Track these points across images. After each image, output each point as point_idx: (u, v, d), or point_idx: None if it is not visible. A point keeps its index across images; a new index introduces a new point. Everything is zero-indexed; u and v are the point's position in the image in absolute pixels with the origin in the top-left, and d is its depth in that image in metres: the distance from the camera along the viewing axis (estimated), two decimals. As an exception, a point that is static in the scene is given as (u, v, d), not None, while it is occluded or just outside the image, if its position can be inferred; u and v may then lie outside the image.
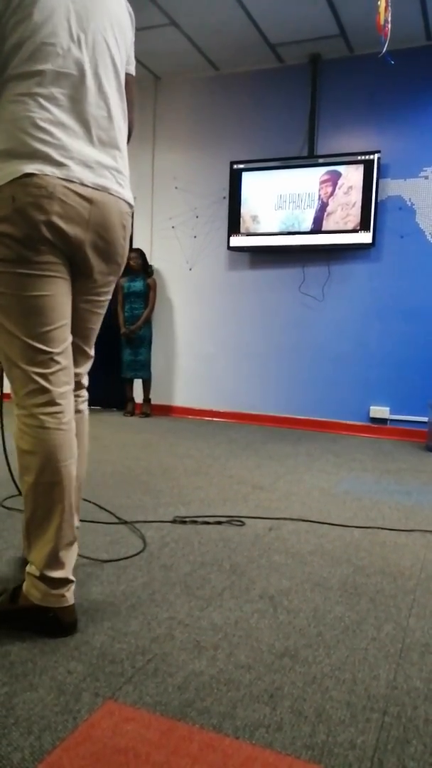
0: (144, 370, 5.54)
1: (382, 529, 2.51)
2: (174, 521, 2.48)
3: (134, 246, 5.68)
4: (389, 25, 3.17)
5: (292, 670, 1.42)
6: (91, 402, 7.00)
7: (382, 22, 3.15)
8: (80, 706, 1.25)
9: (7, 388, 1.70)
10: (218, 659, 1.45)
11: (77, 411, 1.77)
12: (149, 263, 5.63)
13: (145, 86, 5.67)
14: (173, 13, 4.49)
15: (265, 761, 1.12)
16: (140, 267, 5.50)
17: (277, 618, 1.68)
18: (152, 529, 2.38)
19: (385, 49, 3.26)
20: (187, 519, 2.50)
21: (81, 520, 2.43)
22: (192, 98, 5.56)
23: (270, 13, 4.42)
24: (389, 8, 3.17)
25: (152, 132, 5.69)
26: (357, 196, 4.85)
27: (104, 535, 2.28)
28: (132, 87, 1.71)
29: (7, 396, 6.45)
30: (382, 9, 3.14)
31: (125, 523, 2.43)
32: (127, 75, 1.70)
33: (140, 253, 5.52)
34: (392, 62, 3.59)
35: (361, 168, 4.83)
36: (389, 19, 3.17)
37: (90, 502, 2.70)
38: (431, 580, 1.99)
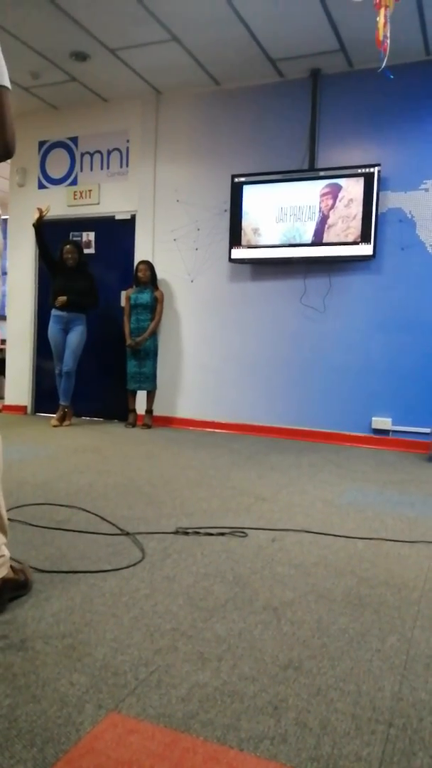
0: (148, 382, 5.55)
1: (386, 540, 2.50)
2: (176, 532, 2.47)
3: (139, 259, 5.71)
4: (388, 41, 3.20)
5: (296, 682, 1.41)
6: (93, 413, 7.01)
7: (381, 37, 3.19)
8: (83, 718, 1.24)
9: None
10: (222, 671, 1.44)
11: None
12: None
13: (147, 101, 5.73)
14: (175, 29, 4.55)
15: (269, 774, 1.11)
16: (149, 279, 5.52)
17: (281, 629, 1.67)
18: (155, 540, 2.37)
19: (384, 64, 3.30)
20: (190, 530, 2.50)
21: (82, 531, 2.43)
22: (193, 112, 5.62)
23: (270, 28, 4.48)
24: (388, 24, 3.20)
25: (154, 145, 5.74)
26: (357, 209, 4.88)
27: (106, 546, 2.28)
28: (1, 103, 1.56)
29: (17, 409, 6.39)
30: (381, 25, 3.18)
31: (127, 534, 2.43)
32: None
33: (149, 266, 5.54)
34: (391, 77, 3.62)
35: (361, 181, 4.86)
36: (388, 34, 3.21)
37: (92, 513, 2.69)
38: (435, 591, 1.98)
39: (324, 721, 1.26)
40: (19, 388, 6.42)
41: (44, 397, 6.25)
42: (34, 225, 5.42)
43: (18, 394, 6.42)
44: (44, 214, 5.40)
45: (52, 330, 5.51)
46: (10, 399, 6.48)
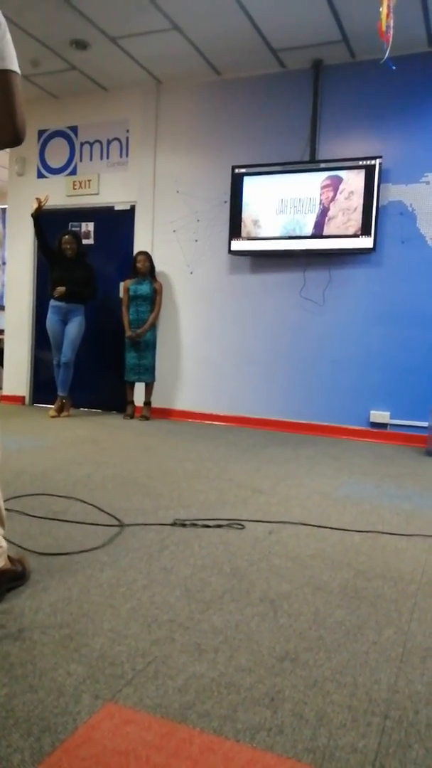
0: (147, 374, 5.54)
1: (383, 533, 2.50)
2: (174, 524, 2.47)
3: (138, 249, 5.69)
4: (391, 31, 3.18)
5: (292, 674, 1.41)
6: (91, 404, 6.99)
7: (384, 28, 3.17)
8: (80, 708, 1.24)
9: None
10: (219, 662, 1.45)
11: None
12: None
13: (147, 91, 5.69)
14: (176, 18, 4.51)
15: (265, 764, 1.11)
16: (147, 270, 5.49)
17: (278, 621, 1.67)
18: (152, 531, 2.37)
19: (387, 55, 3.28)
20: (187, 522, 2.50)
21: (80, 522, 2.43)
22: (194, 102, 5.58)
23: (272, 18, 4.44)
24: (391, 14, 3.18)
25: (154, 136, 5.71)
26: (358, 201, 4.86)
27: (104, 537, 2.28)
28: (11, 86, 1.53)
29: (15, 399, 6.37)
30: (384, 15, 3.16)
31: (124, 525, 2.43)
32: (2, 72, 1.52)
33: (147, 256, 5.52)
34: (393, 68, 3.60)
35: (362, 173, 4.84)
36: (391, 25, 3.19)
37: (90, 504, 2.69)
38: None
39: (320, 713, 1.27)
40: (18, 378, 6.41)
41: (42, 388, 6.24)
42: (32, 215, 5.39)
43: (16, 385, 6.41)
44: (42, 204, 5.37)
45: (51, 321, 5.50)
46: (8, 389, 6.47)
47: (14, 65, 1.54)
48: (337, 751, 1.16)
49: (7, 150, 6.30)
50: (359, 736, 1.20)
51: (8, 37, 1.54)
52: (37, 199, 5.38)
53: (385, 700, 1.33)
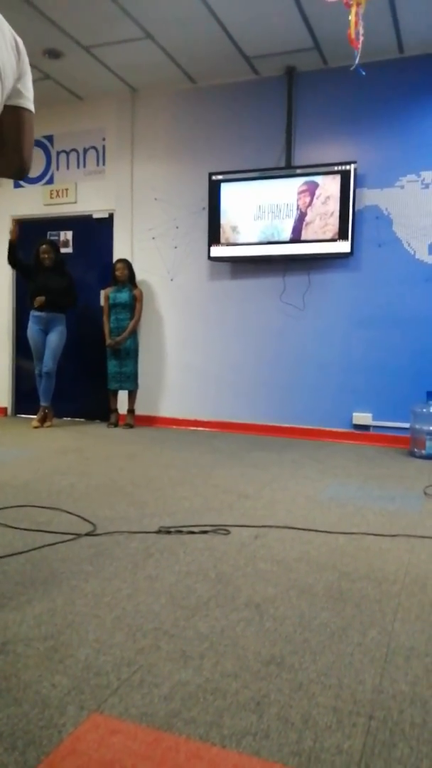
0: (130, 382, 5.52)
1: (367, 534, 2.52)
2: (159, 531, 2.47)
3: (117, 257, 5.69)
4: (362, 38, 3.22)
5: (278, 677, 1.42)
6: (75, 413, 6.95)
7: (353, 35, 3.21)
8: (65, 720, 1.24)
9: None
10: (204, 668, 1.45)
11: None
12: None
13: (123, 99, 5.70)
14: (149, 27, 4.53)
15: (252, 769, 1.11)
16: (126, 278, 5.49)
17: (263, 625, 1.68)
18: (137, 540, 2.37)
19: (357, 61, 3.32)
20: (172, 529, 2.49)
21: (64, 533, 2.42)
22: (169, 111, 5.60)
23: (245, 26, 4.48)
24: (360, 21, 3.22)
25: (131, 144, 5.72)
26: (335, 206, 4.91)
27: (88, 548, 2.27)
28: (26, 124, 1.63)
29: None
30: (353, 23, 3.20)
31: (110, 534, 2.42)
32: (17, 108, 1.62)
33: (127, 264, 5.51)
34: (363, 73, 3.65)
35: (338, 178, 4.89)
36: (361, 31, 3.23)
37: (73, 514, 2.68)
38: (415, 584, 2.00)
39: (306, 716, 1.27)
40: (-1, 389, 6.36)
41: (25, 399, 6.19)
42: (10, 242, 5.41)
43: (-2, 396, 6.36)
44: (15, 235, 5.40)
45: (32, 330, 5.47)
46: (-11, 401, 6.41)
47: (31, 105, 1.64)
48: (323, 753, 1.16)
49: None
50: (344, 737, 1.21)
51: (29, 74, 1.63)
52: (11, 232, 5.43)
53: (369, 701, 1.34)
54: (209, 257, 5.34)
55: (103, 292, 5.63)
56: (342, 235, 4.88)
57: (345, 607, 1.81)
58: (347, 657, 1.52)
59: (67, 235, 6.07)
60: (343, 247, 4.89)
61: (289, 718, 1.26)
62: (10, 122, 1.59)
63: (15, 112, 1.60)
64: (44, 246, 5.45)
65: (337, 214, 4.90)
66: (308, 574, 2.06)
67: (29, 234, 5.56)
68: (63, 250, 5.79)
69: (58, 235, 6.06)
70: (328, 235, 4.93)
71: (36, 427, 5.37)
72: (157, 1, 4.17)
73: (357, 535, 2.50)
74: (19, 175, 1.66)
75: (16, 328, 6.28)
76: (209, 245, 5.32)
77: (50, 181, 6.08)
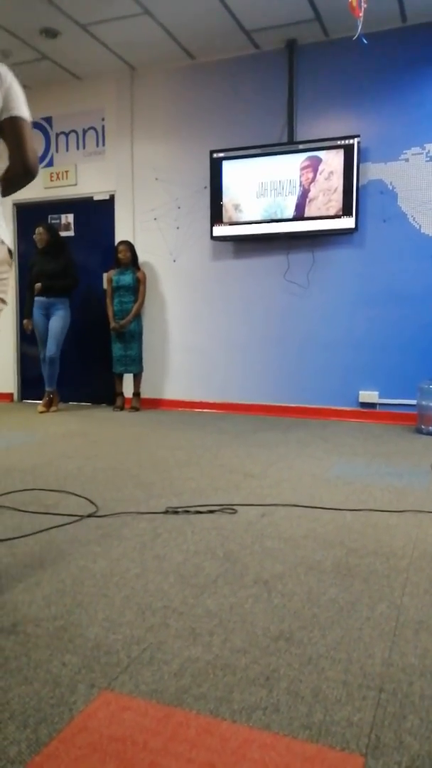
0: (135, 365, 5.51)
1: (374, 511, 2.52)
2: (166, 512, 2.47)
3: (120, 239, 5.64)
4: (364, 6, 3.15)
5: (287, 653, 1.42)
6: (80, 398, 6.96)
7: (355, 3, 3.13)
8: (76, 698, 1.24)
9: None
10: (214, 645, 1.45)
11: None
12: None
13: (121, 78, 5.61)
14: (147, 3, 4.44)
15: (262, 743, 1.12)
16: (129, 260, 5.45)
17: (272, 602, 1.68)
18: (145, 520, 2.37)
19: (359, 30, 3.25)
20: (180, 509, 2.50)
21: (71, 515, 2.42)
22: (169, 88, 5.51)
23: (244, -2, 4.38)
24: (363, -11, 3.15)
25: (130, 123, 5.64)
26: (338, 181, 4.84)
27: (96, 529, 2.27)
28: (19, 129, 1.77)
29: (3, 396, 6.35)
30: (355, -10, 3.13)
31: (117, 515, 2.42)
32: (11, 119, 1.76)
33: (129, 246, 5.46)
34: (366, 42, 3.57)
35: (341, 153, 4.81)
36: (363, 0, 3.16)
37: (81, 496, 2.69)
38: (423, 559, 2.00)
39: (315, 690, 1.28)
40: (5, 375, 6.36)
41: (30, 384, 6.20)
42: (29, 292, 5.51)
43: (4, 382, 6.36)
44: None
45: (35, 316, 5.46)
46: (-5, 387, 6.43)
47: (23, 111, 1.77)
48: (333, 726, 1.16)
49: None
50: (354, 710, 1.21)
51: (15, 86, 1.76)
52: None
53: (379, 674, 1.34)
54: (212, 237, 5.29)
55: (105, 275, 5.60)
56: (346, 210, 4.82)
57: (353, 583, 1.81)
58: (356, 631, 1.52)
59: (68, 218, 6.02)
60: (348, 223, 4.83)
61: (299, 692, 1.27)
62: (8, 133, 1.76)
63: (10, 122, 1.76)
64: (38, 228, 5.42)
65: (340, 189, 4.83)
66: (316, 551, 2.06)
67: (30, 218, 5.51)
68: (64, 234, 5.75)
69: (59, 219, 6.02)
70: (332, 212, 4.87)
71: (42, 412, 5.38)
72: (153, -25, 4.09)
73: (364, 512, 2.49)
74: (27, 177, 1.79)
75: (20, 314, 6.26)
76: (211, 225, 5.26)
77: (50, 164, 6.02)
